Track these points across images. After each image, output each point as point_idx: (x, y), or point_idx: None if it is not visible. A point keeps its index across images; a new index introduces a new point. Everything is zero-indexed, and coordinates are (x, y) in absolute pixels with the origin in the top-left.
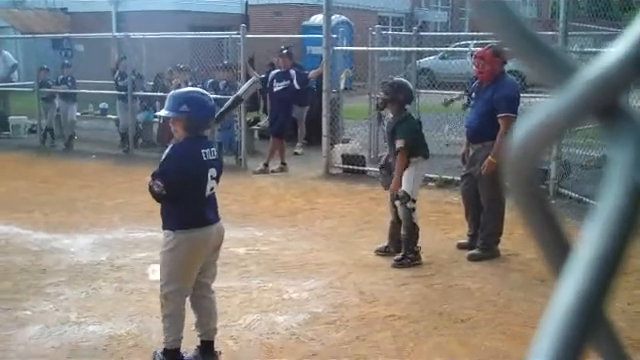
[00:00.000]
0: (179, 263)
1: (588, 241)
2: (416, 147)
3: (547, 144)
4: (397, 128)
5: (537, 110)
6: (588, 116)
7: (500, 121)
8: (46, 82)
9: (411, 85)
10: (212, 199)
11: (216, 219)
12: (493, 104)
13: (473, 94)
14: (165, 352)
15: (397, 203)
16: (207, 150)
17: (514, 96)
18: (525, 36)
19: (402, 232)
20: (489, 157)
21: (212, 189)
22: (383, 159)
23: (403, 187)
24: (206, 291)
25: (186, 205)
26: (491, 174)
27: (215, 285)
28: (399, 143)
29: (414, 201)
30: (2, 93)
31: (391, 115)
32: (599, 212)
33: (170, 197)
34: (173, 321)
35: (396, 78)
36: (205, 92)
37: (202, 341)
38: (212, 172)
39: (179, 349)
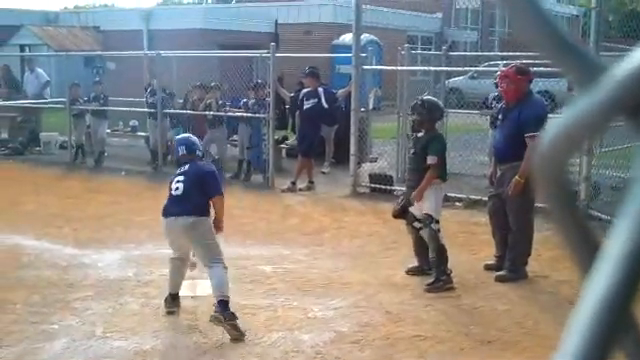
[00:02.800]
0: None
1: (617, 238)
2: (443, 168)
3: (577, 145)
4: (429, 145)
5: (567, 110)
6: (618, 116)
7: (528, 141)
8: (77, 98)
9: (439, 101)
10: (178, 197)
11: (179, 213)
12: (520, 124)
13: (500, 115)
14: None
15: (416, 225)
16: (180, 168)
17: (542, 115)
18: (555, 35)
19: (430, 255)
20: (516, 177)
21: (177, 189)
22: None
23: (425, 209)
24: (207, 267)
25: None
26: (519, 194)
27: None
28: (431, 160)
29: (438, 222)
30: (34, 110)
31: (419, 134)
32: (628, 209)
33: None
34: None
35: (425, 97)
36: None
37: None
38: (177, 178)
39: (176, 294)
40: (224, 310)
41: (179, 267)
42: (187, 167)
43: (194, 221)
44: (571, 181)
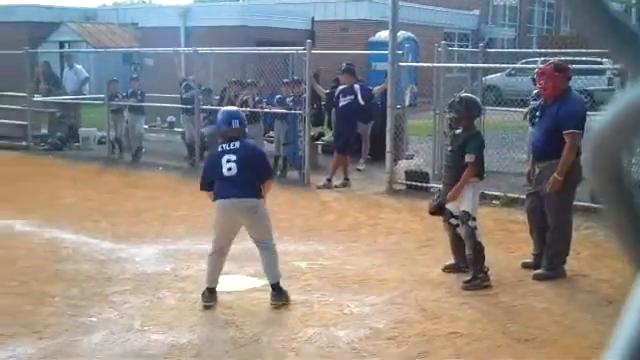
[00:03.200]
0: (213, 223)
1: None
2: (481, 166)
3: (634, 131)
4: (467, 143)
5: (620, 97)
6: None
7: (566, 138)
8: (116, 94)
9: (478, 99)
10: (233, 178)
11: (241, 195)
12: (559, 121)
13: (537, 112)
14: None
15: (453, 221)
16: (226, 144)
17: (580, 112)
18: (608, 19)
19: (467, 252)
20: (554, 174)
21: (230, 169)
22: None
23: (463, 207)
24: (260, 247)
25: (215, 185)
26: (557, 192)
27: None
28: (469, 158)
29: (475, 219)
30: (73, 105)
31: (457, 131)
32: None
33: (203, 185)
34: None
35: (463, 94)
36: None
37: (270, 284)
38: (227, 157)
39: (214, 288)
40: (279, 293)
41: (218, 260)
42: (238, 145)
43: (256, 204)
44: (625, 173)
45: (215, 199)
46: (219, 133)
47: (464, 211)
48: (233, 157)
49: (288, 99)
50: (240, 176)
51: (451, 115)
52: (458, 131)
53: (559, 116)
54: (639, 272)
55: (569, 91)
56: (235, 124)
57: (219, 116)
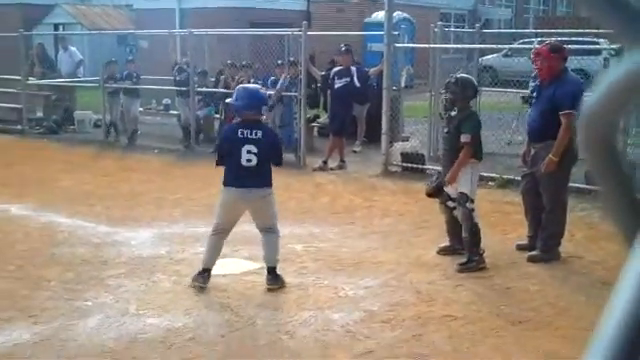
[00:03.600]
0: (219, 206)
1: None
2: (478, 147)
3: (625, 104)
4: (463, 124)
5: (614, 68)
6: None
7: (562, 118)
8: (114, 76)
9: (473, 79)
10: (251, 169)
11: (255, 185)
12: (555, 102)
13: (534, 93)
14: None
15: (450, 204)
16: (247, 130)
17: (576, 93)
18: None
19: (464, 234)
20: (550, 155)
21: (249, 161)
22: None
23: (460, 188)
24: (263, 232)
25: (227, 169)
26: (552, 173)
27: None
28: (465, 138)
29: (472, 201)
30: (69, 88)
31: (452, 112)
32: None
33: (218, 161)
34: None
35: (458, 75)
36: (252, 86)
37: (267, 267)
38: (248, 148)
39: (209, 269)
40: (275, 278)
41: (219, 242)
42: (260, 135)
43: (267, 192)
44: (617, 143)
45: (227, 185)
46: (238, 113)
47: (462, 193)
48: (254, 149)
49: (281, 81)
50: (259, 167)
51: (446, 96)
52: (453, 113)
53: (555, 97)
54: (629, 243)
55: (565, 72)
56: (264, 111)
57: (242, 95)
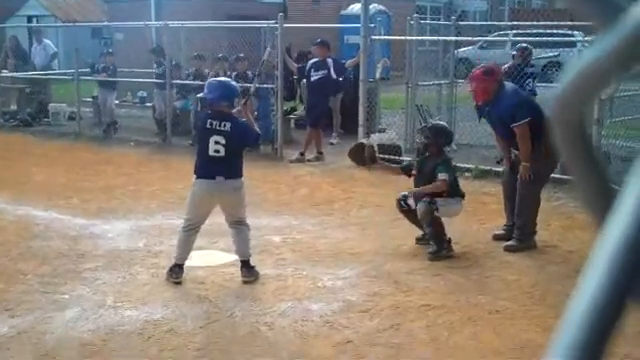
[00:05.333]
0: (189, 200)
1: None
2: (455, 188)
3: (595, 89)
4: (438, 167)
5: (585, 52)
6: (636, 59)
7: (515, 131)
8: (108, 67)
9: (450, 128)
10: (219, 160)
11: (226, 175)
12: (503, 119)
13: (482, 114)
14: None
15: (411, 202)
16: (216, 122)
17: (516, 103)
18: None
19: (426, 230)
20: (522, 163)
21: (217, 152)
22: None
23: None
24: (233, 227)
25: (197, 158)
26: (530, 178)
27: None
28: (443, 176)
29: (437, 210)
30: (43, 81)
31: (427, 154)
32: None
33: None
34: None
35: (435, 122)
36: (224, 79)
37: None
38: (216, 139)
39: (181, 265)
40: (249, 270)
41: (190, 237)
42: (229, 128)
43: (240, 184)
44: (588, 127)
45: (197, 177)
46: (211, 106)
47: (432, 200)
48: (222, 140)
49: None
50: (227, 158)
51: (421, 140)
52: (427, 154)
53: (501, 116)
54: (601, 226)
55: (501, 89)
56: (235, 103)
57: (215, 86)
